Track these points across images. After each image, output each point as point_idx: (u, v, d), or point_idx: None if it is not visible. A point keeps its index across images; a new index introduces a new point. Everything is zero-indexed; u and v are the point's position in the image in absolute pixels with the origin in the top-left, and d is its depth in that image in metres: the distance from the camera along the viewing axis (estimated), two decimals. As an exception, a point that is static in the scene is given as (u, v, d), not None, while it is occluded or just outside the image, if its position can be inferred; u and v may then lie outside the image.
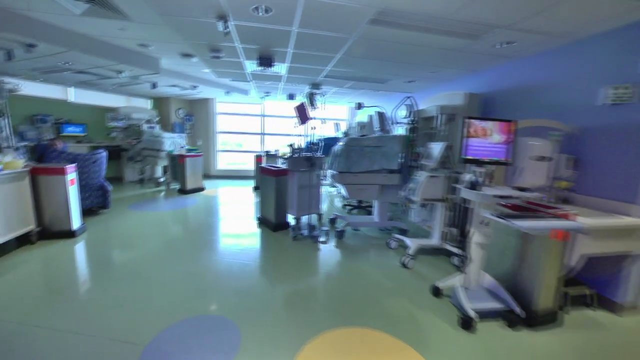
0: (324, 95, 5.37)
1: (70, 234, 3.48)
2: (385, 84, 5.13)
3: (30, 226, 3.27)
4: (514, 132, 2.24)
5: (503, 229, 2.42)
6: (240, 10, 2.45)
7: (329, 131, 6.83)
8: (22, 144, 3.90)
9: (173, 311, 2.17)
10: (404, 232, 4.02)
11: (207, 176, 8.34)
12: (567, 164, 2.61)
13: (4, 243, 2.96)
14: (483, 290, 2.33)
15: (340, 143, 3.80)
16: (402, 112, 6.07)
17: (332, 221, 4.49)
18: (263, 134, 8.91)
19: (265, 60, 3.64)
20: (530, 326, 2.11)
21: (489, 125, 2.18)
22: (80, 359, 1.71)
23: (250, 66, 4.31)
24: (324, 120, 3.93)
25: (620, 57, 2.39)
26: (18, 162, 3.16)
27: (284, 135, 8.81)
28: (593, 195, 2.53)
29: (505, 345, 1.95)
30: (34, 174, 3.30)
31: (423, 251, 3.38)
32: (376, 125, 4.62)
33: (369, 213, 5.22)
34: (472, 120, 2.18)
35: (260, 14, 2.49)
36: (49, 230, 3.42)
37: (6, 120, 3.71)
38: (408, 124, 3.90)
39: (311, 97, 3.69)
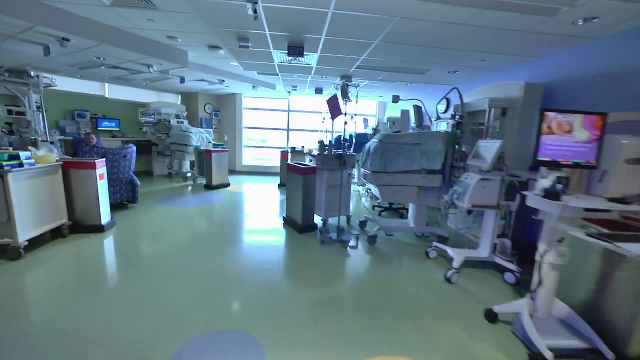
0: (357, 87, 5.00)
1: (100, 229, 3.49)
2: (424, 75, 4.67)
3: (63, 220, 3.30)
4: (602, 128, 1.79)
5: (576, 245, 1.98)
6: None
7: (353, 127, 6.46)
8: (58, 137, 3.96)
9: (193, 324, 1.99)
10: (443, 240, 3.61)
11: (233, 172, 8.32)
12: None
13: (38, 236, 2.98)
14: (555, 322, 1.91)
15: (375, 140, 3.46)
16: (442, 107, 5.55)
17: (362, 224, 4.17)
18: (289, 129, 8.73)
19: (296, 50, 3.38)
20: (623, 373, 1.68)
21: (574, 120, 1.75)
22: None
23: (279, 57, 4.08)
24: (353, 116, 3.59)
25: None
26: (51, 156, 3.17)
27: (310, 131, 8.56)
28: None
29: (592, 398, 1.55)
30: (66, 169, 3.31)
31: (467, 263, 2.97)
32: (413, 120, 4.20)
33: (401, 216, 4.83)
34: (551, 114, 1.76)
35: (293, -7, 2.22)
36: (80, 225, 3.44)
37: (42, 115, 3.78)
38: (453, 118, 3.46)
39: (344, 90, 3.38)
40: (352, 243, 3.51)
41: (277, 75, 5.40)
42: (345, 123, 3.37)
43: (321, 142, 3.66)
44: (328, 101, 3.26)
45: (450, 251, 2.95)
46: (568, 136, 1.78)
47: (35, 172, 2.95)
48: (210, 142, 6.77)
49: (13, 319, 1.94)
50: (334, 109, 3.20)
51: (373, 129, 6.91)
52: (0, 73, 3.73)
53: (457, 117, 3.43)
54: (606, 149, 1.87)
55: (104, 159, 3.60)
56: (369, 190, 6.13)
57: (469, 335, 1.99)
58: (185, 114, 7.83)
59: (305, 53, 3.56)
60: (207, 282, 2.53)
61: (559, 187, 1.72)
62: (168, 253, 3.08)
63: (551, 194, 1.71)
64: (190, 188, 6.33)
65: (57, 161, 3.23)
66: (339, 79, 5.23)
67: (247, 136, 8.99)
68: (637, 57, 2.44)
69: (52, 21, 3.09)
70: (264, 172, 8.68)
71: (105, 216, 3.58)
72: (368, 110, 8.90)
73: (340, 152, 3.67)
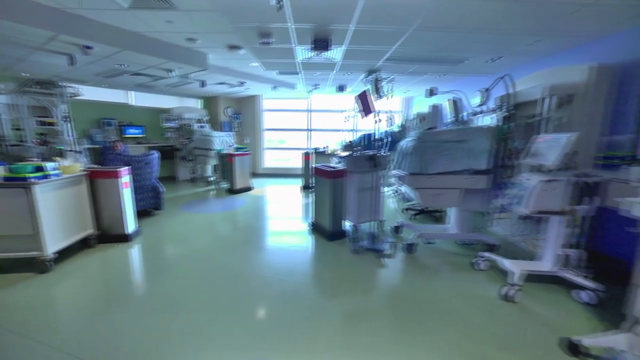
0: (391, 81, 4.67)
1: (125, 238, 3.42)
2: (461, 64, 4.25)
3: (89, 230, 3.26)
4: None
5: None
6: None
7: (384, 125, 6.11)
8: (85, 146, 3.96)
9: (213, 352, 1.79)
10: (491, 248, 3.21)
11: (254, 174, 8.23)
12: None
13: (66, 248, 2.94)
14: (666, 361, 1.51)
15: (411, 138, 3.13)
16: (476, 100, 5.06)
17: (396, 229, 3.84)
18: (310, 129, 8.51)
19: (321, 43, 3.12)
20: None
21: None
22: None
23: (302, 53, 3.84)
24: (388, 113, 3.27)
25: None
26: (76, 166, 3.13)
27: (332, 130, 8.27)
28: None
29: None
30: (92, 178, 3.27)
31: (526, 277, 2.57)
32: (451, 114, 3.81)
33: (436, 219, 4.44)
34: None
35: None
36: (107, 234, 3.39)
37: (69, 125, 3.79)
38: (499, 109, 3.05)
39: (377, 84, 3.07)
40: (387, 251, 3.20)
41: (298, 74, 5.17)
42: (379, 120, 3.07)
43: (351, 143, 3.38)
44: (359, 97, 2.97)
45: (507, 263, 2.57)
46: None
47: (61, 182, 2.90)
48: (231, 146, 6.68)
49: (36, 335, 1.83)
50: (366, 106, 2.90)
51: (399, 126, 6.51)
52: (30, 85, 3.78)
53: (506, 109, 3.02)
54: None
55: (128, 167, 3.52)
56: (397, 191, 5.76)
57: (549, 373, 1.63)
58: (206, 118, 7.83)
59: (331, 47, 3.29)
60: (229, 304, 2.33)
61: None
62: (193, 263, 2.93)
63: (667, 202, 1.33)
64: (213, 192, 6.27)
65: (82, 170, 3.18)
66: (364, 74, 4.91)
67: (267, 138, 8.87)
68: None
69: (73, 29, 3.06)
70: (285, 173, 8.52)
71: (131, 225, 3.51)
72: (391, 106, 8.47)
73: (372, 152, 3.36)
